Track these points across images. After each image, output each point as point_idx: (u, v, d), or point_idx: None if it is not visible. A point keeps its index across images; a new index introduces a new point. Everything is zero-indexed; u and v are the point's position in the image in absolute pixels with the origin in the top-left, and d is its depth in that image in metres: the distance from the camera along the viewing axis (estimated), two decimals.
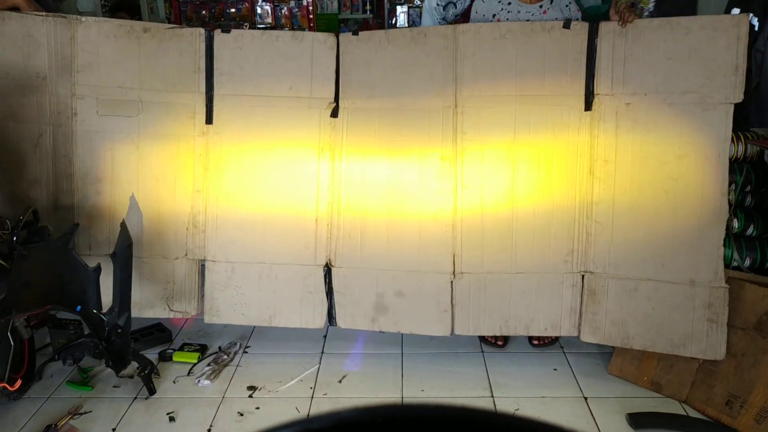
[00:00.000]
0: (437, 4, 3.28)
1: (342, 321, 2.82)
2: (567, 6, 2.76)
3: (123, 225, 2.54)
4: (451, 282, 2.72)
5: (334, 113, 2.74)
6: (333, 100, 2.74)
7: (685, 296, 2.50)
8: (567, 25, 2.54)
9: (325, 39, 2.74)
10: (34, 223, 2.46)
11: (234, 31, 2.78)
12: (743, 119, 2.58)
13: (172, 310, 2.86)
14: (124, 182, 2.80)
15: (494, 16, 2.80)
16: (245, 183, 2.80)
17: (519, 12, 2.77)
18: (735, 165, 2.52)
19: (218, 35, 2.75)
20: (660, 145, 2.49)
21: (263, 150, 2.78)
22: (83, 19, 2.74)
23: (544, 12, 2.74)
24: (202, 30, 2.76)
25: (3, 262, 2.30)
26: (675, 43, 2.42)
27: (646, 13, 2.70)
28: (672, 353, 2.53)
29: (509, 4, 2.79)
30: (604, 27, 2.52)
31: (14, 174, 2.77)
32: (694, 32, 2.40)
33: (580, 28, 2.54)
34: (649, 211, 2.52)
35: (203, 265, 2.86)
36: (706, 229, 2.46)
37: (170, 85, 2.76)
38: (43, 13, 2.71)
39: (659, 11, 2.81)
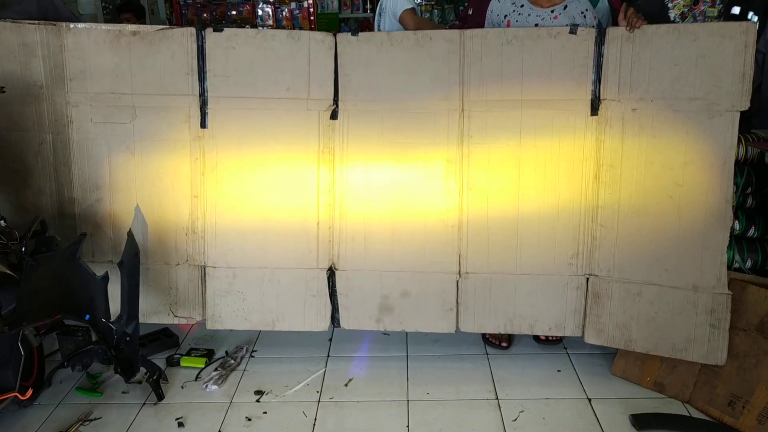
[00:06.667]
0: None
1: (346, 323, 2.84)
2: (582, 13, 2.72)
3: (130, 234, 2.52)
4: (457, 282, 2.75)
5: (334, 115, 2.72)
6: (332, 102, 2.71)
7: (687, 301, 2.53)
8: (573, 30, 2.52)
9: (323, 38, 2.68)
10: (42, 233, 2.45)
11: (227, 30, 2.69)
12: (745, 120, 2.59)
13: (177, 316, 2.86)
14: (122, 189, 2.77)
15: (506, 17, 2.79)
16: (243, 187, 2.77)
17: (530, 15, 2.75)
18: (736, 167, 2.52)
19: (210, 35, 2.66)
20: (665, 151, 2.49)
21: (261, 153, 2.74)
22: (71, 26, 2.67)
23: (555, 17, 2.72)
24: (192, 29, 2.68)
25: (12, 273, 2.29)
26: (682, 49, 2.41)
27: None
28: (673, 357, 2.57)
29: (522, 6, 2.77)
30: (612, 32, 2.50)
31: (20, 183, 2.75)
32: (702, 39, 2.38)
33: (587, 34, 2.52)
34: (654, 216, 2.54)
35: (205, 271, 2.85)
36: (710, 235, 2.47)
37: (163, 88, 2.70)
38: (36, 22, 2.66)
39: None
